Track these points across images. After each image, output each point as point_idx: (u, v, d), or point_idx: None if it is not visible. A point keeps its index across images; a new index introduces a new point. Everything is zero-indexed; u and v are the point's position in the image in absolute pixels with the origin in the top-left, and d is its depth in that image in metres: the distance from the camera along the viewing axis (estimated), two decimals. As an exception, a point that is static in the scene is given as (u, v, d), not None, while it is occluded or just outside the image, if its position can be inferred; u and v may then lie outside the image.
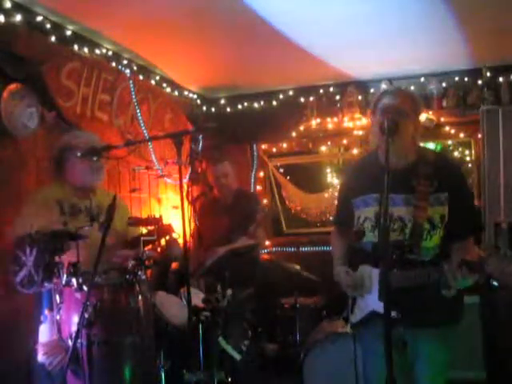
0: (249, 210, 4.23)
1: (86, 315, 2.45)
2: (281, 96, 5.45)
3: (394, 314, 2.18)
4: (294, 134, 5.48)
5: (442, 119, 5.02)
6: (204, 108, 5.66)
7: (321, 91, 5.35)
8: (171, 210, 5.00)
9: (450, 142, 5.25)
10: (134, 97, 4.41)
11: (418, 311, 2.24)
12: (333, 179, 5.59)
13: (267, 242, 4.58)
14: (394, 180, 2.11)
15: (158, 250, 3.15)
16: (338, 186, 2.82)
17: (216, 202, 4.45)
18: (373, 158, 2.47)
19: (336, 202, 2.75)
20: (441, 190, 2.30)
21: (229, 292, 3.52)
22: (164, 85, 4.90)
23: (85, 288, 2.51)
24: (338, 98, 5.32)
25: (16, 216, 2.86)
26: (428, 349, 2.32)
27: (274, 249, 5.45)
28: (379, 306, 2.18)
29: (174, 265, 4.02)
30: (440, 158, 2.50)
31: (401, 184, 2.27)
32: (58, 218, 2.81)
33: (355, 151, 5.31)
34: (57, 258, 2.55)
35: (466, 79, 4.93)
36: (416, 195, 2.28)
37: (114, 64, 4.14)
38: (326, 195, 5.50)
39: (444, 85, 5.00)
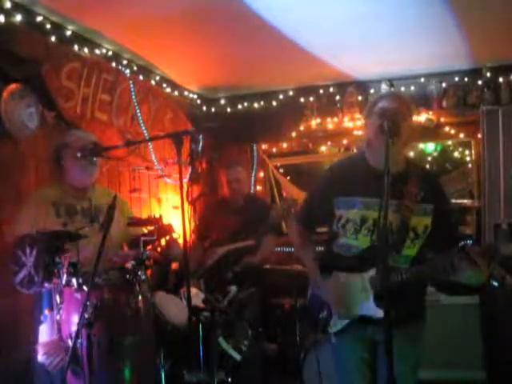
0: (259, 215, 4.24)
1: (86, 315, 2.45)
2: (281, 96, 5.46)
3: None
4: (294, 134, 5.48)
5: (442, 119, 5.02)
6: (204, 108, 5.67)
7: (321, 91, 5.35)
8: (171, 210, 5.00)
9: (449, 142, 5.26)
10: (133, 97, 4.41)
11: (398, 309, 2.24)
12: (333, 179, 5.58)
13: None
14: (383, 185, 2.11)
15: (158, 250, 3.15)
16: (316, 183, 2.66)
17: (225, 203, 4.48)
18: (360, 160, 2.44)
19: (307, 201, 2.64)
20: (426, 201, 2.32)
21: (233, 289, 3.52)
22: (164, 85, 4.90)
23: (85, 288, 2.51)
24: (338, 98, 5.33)
25: (13, 219, 2.87)
26: (400, 347, 2.33)
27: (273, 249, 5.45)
28: (370, 310, 2.23)
29: (174, 265, 4.01)
30: (426, 171, 2.58)
31: (392, 189, 2.27)
32: (53, 220, 2.82)
33: (355, 151, 5.31)
34: (57, 258, 2.55)
35: (465, 79, 4.93)
36: (405, 202, 2.29)
37: (114, 64, 4.14)
38: (326, 195, 5.49)
39: (444, 85, 5.00)
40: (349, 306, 2.35)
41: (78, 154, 2.88)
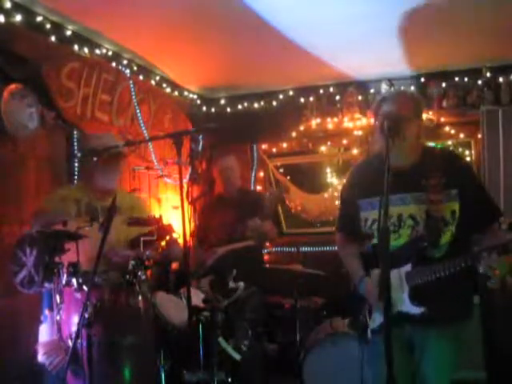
0: (253, 204, 4.26)
1: (86, 315, 2.45)
2: (281, 96, 5.46)
3: (421, 310, 2.20)
4: (294, 134, 5.48)
5: (442, 119, 5.02)
6: (204, 108, 5.66)
7: (321, 91, 5.35)
8: (171, 210, 5.00)
9: (449, 142, 5.24)
10: (134, 97, 4.41)
11: (436, 308, 2.22)
12: (333, 179, 5.57)
13: (275, 234, 4.50)
14: (401, 179, 2.11)
15: (158, 250, 3.15)
16: (341, 190, 2.71)
17: (221, 199, 4.50)
18: (376, 160, 2.43)
19: (340, 208, 2.66)
20: (450, 186, 2.28)
21: (241, 285, 3.53)
22: (164, 85, 4.90)
23: (85, 288, 2.51)
24: (338, 98, 5.32)
25: (34, 213, 2.91)
26: (437, 348, 2.31)
27: (273, 249, 5.45)
28: (407, 306, 2.21)
29: (174, 265, 4.02)
30: (445, 154, 2.51)
31: (409, 183, 2.28)
32: (74, 218, 2.84)
33: (355, 151, 5.31)
34: (57, 258, 2.55)
35: (465, 79, 4.92)
36: (427, 192, 2.27)
37: (114, 64, 4.14)
38: (326, 195, 5.49)
39: (444, 85, 5.00)
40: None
41: (94, 158, 2.94)
